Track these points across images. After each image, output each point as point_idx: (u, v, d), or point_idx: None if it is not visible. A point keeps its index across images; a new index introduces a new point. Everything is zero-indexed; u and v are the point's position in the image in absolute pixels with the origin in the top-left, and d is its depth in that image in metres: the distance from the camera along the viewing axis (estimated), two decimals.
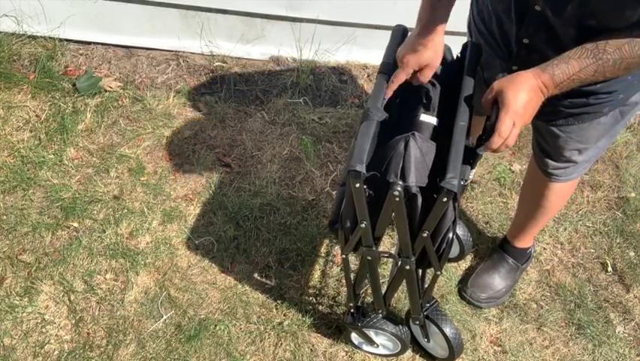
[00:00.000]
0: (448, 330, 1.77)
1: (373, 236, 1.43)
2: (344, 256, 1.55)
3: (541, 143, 1.69)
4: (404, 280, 1.58)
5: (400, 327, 1.79)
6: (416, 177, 1.24)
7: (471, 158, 1.32)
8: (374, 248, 1.46)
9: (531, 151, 1.80)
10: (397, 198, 1.24)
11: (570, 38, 1.26)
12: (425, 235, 1.35)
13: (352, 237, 1.44)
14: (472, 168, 1.38)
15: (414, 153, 1.24)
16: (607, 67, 1.18)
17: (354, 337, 1.90)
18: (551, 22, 1.27)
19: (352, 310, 1.78)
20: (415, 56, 1.35)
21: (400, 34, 1.47)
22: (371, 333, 1.82)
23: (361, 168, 1.21)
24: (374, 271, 1.58)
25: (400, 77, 1.38)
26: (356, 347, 1.95)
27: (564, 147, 1.60)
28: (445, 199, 1.22)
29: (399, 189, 1.22)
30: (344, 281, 2.10)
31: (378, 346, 1.90)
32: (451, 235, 1.38)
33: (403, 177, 1.23)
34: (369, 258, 1.51)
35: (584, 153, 1.62)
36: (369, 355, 1.94)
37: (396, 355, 1.92)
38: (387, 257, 1.50)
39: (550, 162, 1.69)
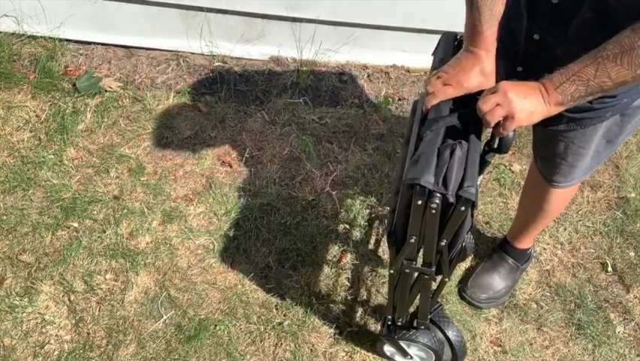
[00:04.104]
0: (451, 334, 1.76)
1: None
2: (392, 271, 1.53)
3: (541, 149, 1.68)
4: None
5: (436, 339, 1.76)
6: (455, 186, 1.22)
7: (481, 164, 1.31)
8: (414, 264, 1.45)
9: (531, 151, 1.79)
10: (434, 211, 1.22)
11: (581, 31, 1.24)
12: (443, 243, 1.33)
13: (402, 251, 1.41)
14: (480, 175, 1.36)
15: (457, 160, 1.22)
16: (608, 64, 1.12)
17: (387, 348, 1.88)
18: (566, 14, 1.23)
19: (389, 323, 1.76)
20: (471, 78, 1.30)
21: (451, 41, 1.42)
22: (406, 345, 1.80)
23: (429, 184, 1.17)
24: (406, 284, 1.56)
25: (450, 95, 1.30)
26: (388, 358, 1.93)
27: (565, 152, 1.58)
28: (463, 208, 1.21)
29: (437, 201, 1.20)
30: (344, 282, 2.10)
31: (412, 358, 1.87)
32: (464, 243, 1.37)
33: (445, 186, 1.21)
34: (407, 271, 1.49)
35: (586, 159, 1.59)
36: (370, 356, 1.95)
37: None
38: (423, 272, 1.48)
39: (551, 169, 1.68)
